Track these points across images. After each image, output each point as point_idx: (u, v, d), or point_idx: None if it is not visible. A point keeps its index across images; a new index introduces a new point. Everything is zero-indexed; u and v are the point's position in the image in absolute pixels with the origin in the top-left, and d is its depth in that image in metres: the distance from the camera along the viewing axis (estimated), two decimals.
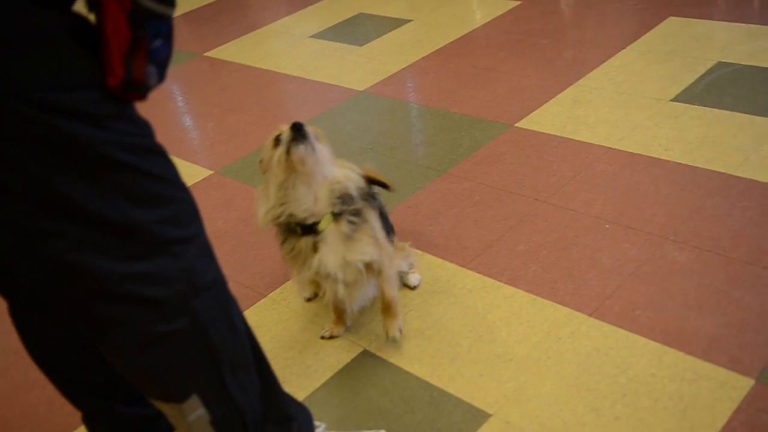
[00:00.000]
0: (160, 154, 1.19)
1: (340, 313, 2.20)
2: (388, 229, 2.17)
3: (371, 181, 2.13)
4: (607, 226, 2.44)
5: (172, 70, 4.16)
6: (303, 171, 1.87)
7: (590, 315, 2.10)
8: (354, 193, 1.96)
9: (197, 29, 5.13)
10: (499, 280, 2.29)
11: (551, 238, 2.43)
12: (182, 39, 4.93)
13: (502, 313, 2.16)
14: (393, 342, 2.12)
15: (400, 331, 2.12)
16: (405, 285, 2.35)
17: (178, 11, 5.06)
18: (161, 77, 1.15)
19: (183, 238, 1.20)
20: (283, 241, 1.99)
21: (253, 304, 2.39)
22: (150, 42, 1.09)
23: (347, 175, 1.97)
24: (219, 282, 1.31)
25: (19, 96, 0.98)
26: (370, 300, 2.24)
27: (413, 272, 2.35)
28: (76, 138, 1.04)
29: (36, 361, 1.50)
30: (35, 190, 1.05)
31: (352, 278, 2.02)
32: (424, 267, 2.40)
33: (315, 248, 1.94)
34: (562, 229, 2.46)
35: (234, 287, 2.43)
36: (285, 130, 1.90)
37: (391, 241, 2.18)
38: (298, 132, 1.87)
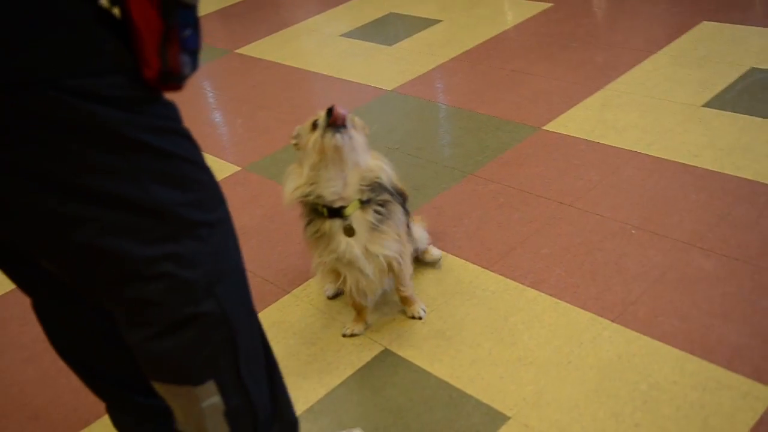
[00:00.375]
0: (186, 137, 1.20)
1: (360, 310, 2.22)
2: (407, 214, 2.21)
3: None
4: (633, 231, 2.42)
5: (204, 66, 4.22)
6: (336, 157, 1.89)
7: (613, 320, 2.09)
8: (385, 183, 1.98)
9: (229, 26, 5.17)
10: (522, 283, 2.28)
11: (576, 242, 2.41)
12: (214, 36, 4.98)
13: (524, 316, 2.16)
14: (418, 319, 2.21)
15: (424, 311, 2.22)
16: (427, 262, 2.41)
17: (211, 7, 5.15)
18: (194, 65, 1.16)
19: (208, 221, 1.21)
20: (308, 223, 2.02)
21: (276, 300, 2.41)
22: (181, 31, 1.10)
23: (380, 166, 1.99)
24: (241, 270, 1.32)
25: (49, 82, 1.00)
26: (389, 286, 2.26)
27: (432, 247, 2.42)
28: (105, 122, 1.05)
29: (59, 353, 1.53)
30: (66, 175, 1.06)
31: (371, 270, 2.04)
32: (447, 268, 2.40)
33: (348, 232, 1.96)
34: (587, 233, 2.45)
35: (258, 283, 2.48)
36: (322, 115, 1.92)
37: (409, 226, 2.22)
38: (332, 115, 1.88)
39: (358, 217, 1.96)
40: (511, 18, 4.36)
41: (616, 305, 2.14)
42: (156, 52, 1.09)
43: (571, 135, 3.02)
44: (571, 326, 2.09)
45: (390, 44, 4.27)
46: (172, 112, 1.19)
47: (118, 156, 1.08)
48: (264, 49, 4.57)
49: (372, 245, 1.99)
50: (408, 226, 2.19)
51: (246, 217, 2.88)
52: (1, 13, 0.96)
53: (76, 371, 1.55)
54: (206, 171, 1.24)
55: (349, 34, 4.53)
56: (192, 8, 1.11)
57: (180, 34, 1.11)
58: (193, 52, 1.15)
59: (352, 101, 3.70)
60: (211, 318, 1.23)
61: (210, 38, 4.94)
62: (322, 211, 1.96)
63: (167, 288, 1.17)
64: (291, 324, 2.30)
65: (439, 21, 4.47)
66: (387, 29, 4.52)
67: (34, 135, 1.02)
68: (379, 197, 1.98)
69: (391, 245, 2.02)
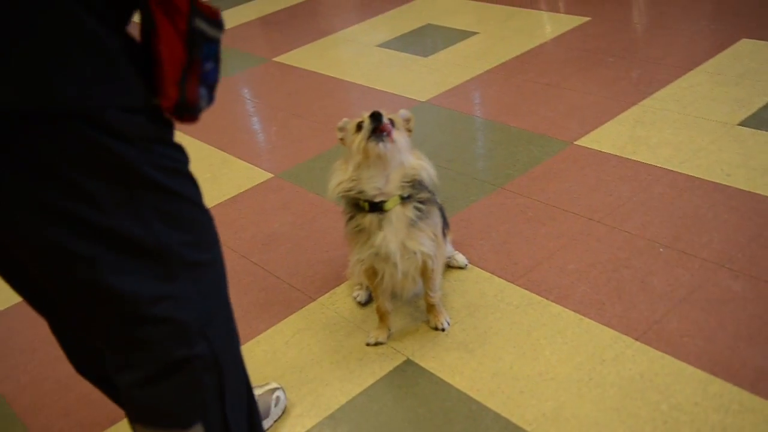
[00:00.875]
0: (190, 179, 1.20)
1: (383, 316, 2.24)
2: (444, 226, 2.26)
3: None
4: (662, 249, 2.40)
5: (242, 73, 4.32)
6: (379, 161, 1.96)
7: (637, 339, 2.08)
8: (426, 180, 2.03)
9: (269, 34, 5.25)
10: (547, 298, 2.28)
11: (603, 259, 2.41)
12: (253, 43, 5.06)
13: (547, 331, 2.16)
14: (441, 331, 2.22)
15: (448, 323, 2.23)
16: (454, 267, 2.45)
17: (252, 15, 5.24)
18: (211, 99, 1.16)
19: (204, 261, 1.21)
20: (350, 218, 2.07)
21: (302, 307, 2.44)
22: (203, 64, 1.11)
23: (422, 165, 2.05)
24: (229, 310, 1.32)
25: (78, 116, 1.00)
26: (420, 290, 2.28)
27: (457, 253, 2.46)
28: (122, 158, 1.05)
29: (78, 371, 1.54)
30: (77, 209, 1.05)
31: (407, 268, 2.08)
32: (473, 280, 2.41)
33: (379, 226, 2.00)
34: (614, 250, 2.44)
35: (284, 290, 2.51)
36: (366, 118, 1.98)
37: (445, 235, 2.26)
38: (377, 123, 1.95)
39: (397, 212, 2.01)
40: (547, 31, 4.35)
41: (640, 323, 2.13)
42: (175, 83, 1.09)
43: (603, 151, 3.01)
44: (594, 343, 2.09)
45: (426, 55, 4.30)
46: (181, 155, 1.19)
47: (128, 192, 1.08)
48: (301, 57, 4.63)
49: (409, 241, 2.03)
50: (444, 231, 2.22)
51: (276, 223, 2.92)
52: (32, 40, 0.96)
53: (97, 386, 1.57)
54: (205, 212, 1.23)
55: (385, 45, 4.57)
56: (216, 42, 1.12)
57: (202, 68, 1.11)
58: (211, 85, 1.15)
59: (386, 111, 3.72)
60: (203, 361, 1.22)
61: (249, 45, 5.02)
62: (364, 206, 2.01)
63: (163, 330, 1.16)
64: (315, 331, 2.33)
65: (475, 33, 4.49)
66: (424, 40, 4.55)
67: (53, 166, 1.02)
68: (419, 195, 2.04)
69: (428, 243, 2.06)
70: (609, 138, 3.10)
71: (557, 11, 4.70)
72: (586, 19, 4.41)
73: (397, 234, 2.01)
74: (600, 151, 3.02)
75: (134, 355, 1.19)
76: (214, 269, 1.25)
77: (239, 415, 1.35)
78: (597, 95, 3.48)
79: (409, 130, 2.12)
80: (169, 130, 1.16)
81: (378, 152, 1.93)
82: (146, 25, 1.09)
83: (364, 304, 2.40)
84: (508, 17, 4.66)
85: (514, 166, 3.02)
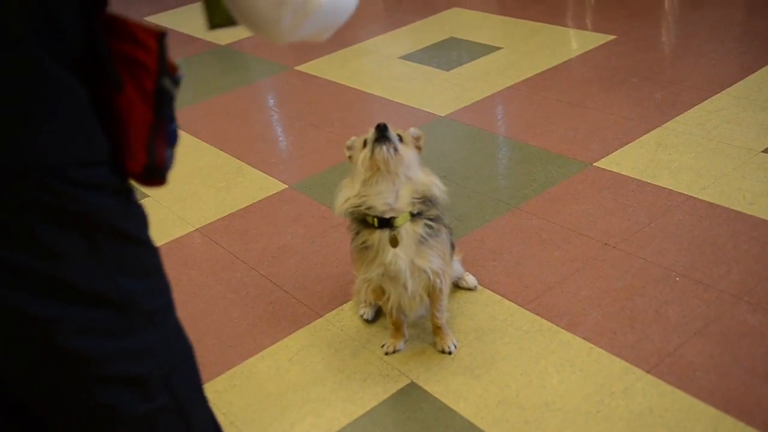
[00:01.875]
0: (144, 219, 1.13)
1: (398, 326, 2.22)
2: (452, 245, 2.22)
3: None
4: (678, 278, 2.34)
5: (262, 81, 4.33)
6: (386, 171, 1.93)
7: (648, 371, 2.02)
8: (438, 197, 2.00)
9: (291, 43, 5.24)
10: (557, 324, 2.23)
11: (617, 286, 2.35)
12: (275, 51, 5.05)
13: (555, 359, 2.11)
14: (448, 354, 2.18)
15: (455, 346, 2.18)
16: (464, 288, 2.41)
17: None
18: (173, 159, 1.11)
19: (162, 307, 1.15)
20: (356, 234, 2.03)
21: (308, 323, 2.41)
22: (168, 125, 1.06)
23: (432, 181, 2.02)
24: (191, 354, 1.24)
25: (44, 169, 0.93)
26: (426, 310, 2.24)
27: (467, 274, 2.42)
28: (82, 207, 0.98)
29: None
30: (33, 265, 0.96)
31: (415, 286, 2.05)
32: (483, 303, 2.37)
33: (393, 242, 1.96)
34: (629, 277, 2.38)
35: (292, 304, 2.48)
36: (371, 132, 1.96)
37: (451, 257, 2.22)
38: (381, 133, 1.93)
39: (407, 229, 1.98)
40: (572, 48, 4.30)
41: (652, 355, 2.07)
42: (143, 146, 1.03)
43: (623, 173, 2.95)
44: (603, 374, 2.03)
45: (447, 69, 4.26)
46: (136, 201, 1.11)
47: (88, 243, 1.00)
48: (323, 67, 4.61)
49: (419, 259, 2.00)
50: (451, 251, 2.19)
51: (288, 236, 2.89)
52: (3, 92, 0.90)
53: None
54: (157, 253, 1.15)
55: (407, 57, 4.54)
56: (174, 100, 1.07)
57: (168, 129, 1.06)
58: (174, 145, 1.10)
59: (403, 125, 3.65)
60: (166, 412, 1.15)
61: (272, 53, 5.01)
62: (372, 222, 1.98)
63: (124, 388, 1.08)
64: (320, 348, 2.29)
65: (499, 48, 4.44)
66: (446, 54, 4.51)
67: (19, 222, 0.94)
68: (429, 212, 2.00)
69: (437, 261, 2.03)
70: (629, 160, 3.04)
71: (583, 28, 4.65)
72: (612, 37, 4.35)
73: (406, 252, 1.97)
74: (619, 174, 2.96)
75: (90, 420, 1.10)
76: (171, 313, 1.17)
77: None
78: (619, 116, 3.42)
79: (419, 148, 2.08)
80: (126, 178, 1.09)
81: (382, 156, 1.90)
82: (106, 82, 1.02)
83: (371, 322, 2.37)
84: (534, 33, 4.61)
85: (531, 186, 2.97)
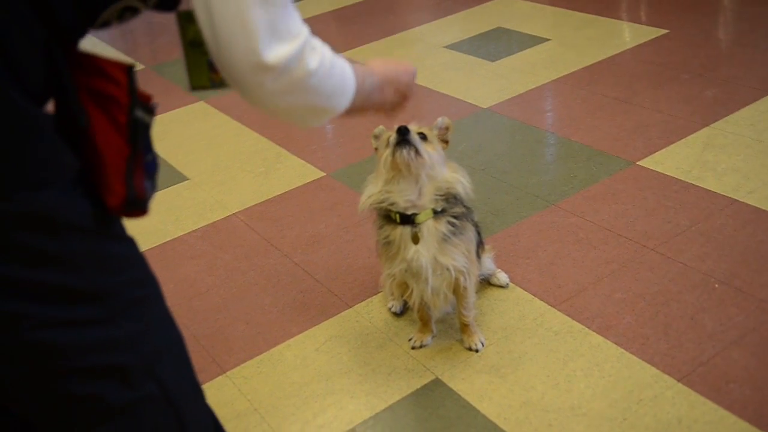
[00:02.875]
0: (118, 219, 1.13)
1: (425, 321, 2.20)
2: (479, 243, 2.20)
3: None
4: (717, 285, 2.27)
5: None
6: (407, 173, 1.92)
7: (679, 380, 1.97)
8: (461, 194, 1.98)
9: (340, 28, 5.23)
10: (588, 327, 2.19)
11: (652, 290, 2.29)
12: (323, 37, 4.98)
13: (584, 362, 2.07)
14: (474, 351, 2.16)
15: (482, 343, 2.17)
16: (495, 285, 2.39)
17: (326, 7, 5.22)
18: (154, 188, 1.11)
19: (142, 298, 1.14)
20: (380, 228, 2.04)
21: (337, 314, 2.40)
22: (145, 155, 1.06)
23: (456, 179, 2.00)
24: (180, 343, 1.23)
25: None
26: (452, 307, 2.22)
27: (499, 271, 2.40)
28: (46, 207, 0.98)
29: None
30: (9, 269, 0.96)
31: (439, 284, 2.02)
32: (513, 301, 2.33)
33: (414, 239, 1.96)
34: (666, 282, 2.32)
35: (322, 293, 2.49)
36: (393, 134, 1.94)
37: (479, 255, 2.20)
38: (402, 136, 1.91)
39: (429, 227, 1.96)
40: (622, 42, 4.19)
41: (685, 364, 2.01)
42: (121, 179, 1.04)
43: (666, 173, 2.87)
44: (632, 380, 1.99)
45: (493, 60, 4.20)
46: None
47: (55, 242, 1.00)
48: (367, 54, 4.59)
49: (442, 256, 1.98)
50: (478, 249, 2.16)
51: (322, 224, 2.89)
52: None
53: None
54: (131, 244, 1.15)
55: (453, 46, 4.49)
56: (149, 128, 1.07)
57: (144, 159, 1.06)
58: (153, 175, 1.10)
59: (443, 116, 3.65)
60: (153, 402, 1.14)
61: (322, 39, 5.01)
62: (395, 218, 1.97)
63: (102, 378, 1.08)
64: (347, 340, 2.29)
65: (547, 40, 4.36)
66: (492, 44, 4.45)
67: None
68: (453, 209, 1.98)
69: (461, 259, 2.00)
70: (674, 160, 2.96)
71: (635, 21, 4.53)
72: (665, 31, 4.23)
73: (429, 248, 1.96)
74: (663, 174, 2.88)
75: (71, 413, 1.10)
76: (154, 303, 1.16)
77: None
78: (667, 113, 3.33)
79: (446, 141, 2.06)
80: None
81: (404, 160, 1.89)
82: (79, 118, 1.02)
83: (399, 315, 2.36)
84: (584, 25, 4.52)
85: (571, 183, 2.91)
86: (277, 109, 1.18)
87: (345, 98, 1.27)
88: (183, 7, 1.19)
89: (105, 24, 1.09)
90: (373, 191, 1.99)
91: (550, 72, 3.93)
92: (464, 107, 3.70)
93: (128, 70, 1.03)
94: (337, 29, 5.23)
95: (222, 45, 1.07)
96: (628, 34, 4.30)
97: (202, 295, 2.60)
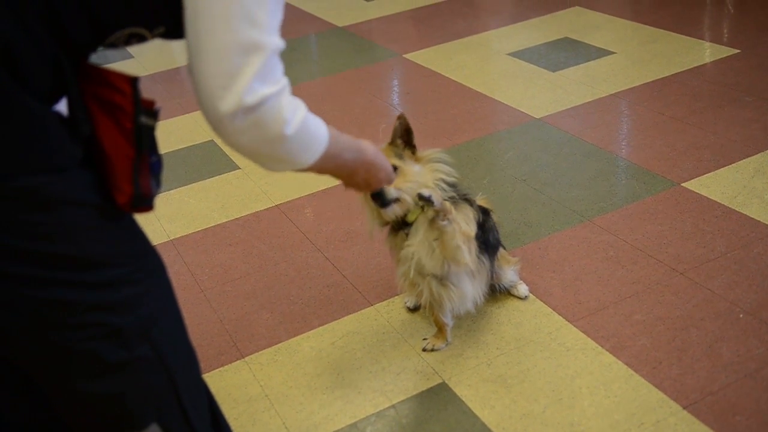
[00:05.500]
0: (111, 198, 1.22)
1: (440, 327, 2.24)
2: (496, 242, 2.26)
3: (486, 212, 2.23)
4: (741, 315, 2.22)
5: (369, 67, 4.38)
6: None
7: (685, 407, 1.94)
8: (437, 204, 1.96)
9: (408, 29, 5.28)
10: (602, 346, 2.18)
11: (674, 315, 2.26)
12: (390, 37, 5.12)
13: (591, 380, 2.06)
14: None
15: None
16: (514, 295, 2.41)
17: (398, 8, 5.28)
18: (159, 185, 1.21)
19: (141, 267, 1.23)
20: (388, 234, 2.15)
21: (358, 311, 2.46)
22: (150, 157, 1.16)
23: (436, 178, 2.05)
24: (176, 310, 1.32)
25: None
26: (475, 304, 2.21)
27: (520, 283, 2.41)
28: (49, 193, 1.08)
29: None
30: (18, 243, 1.07)
31: (439, 266, 2.06)
32: (531, 313, 2.34)
33: (406, 239, 2.06)
34: (690, 307, 2.28)
35: (346, 289, 2.55)
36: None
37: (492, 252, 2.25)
38: (381, 202, 1.96)
39: (420, 219, 2.03)
40: (688, 59, 4.10)
41: (694, 391, 1.99)
42: (128, 178, 1.14)
43: (710, 197, 2.81)
44: (637, 403, 1.97)
45: (554, 70, 4.18)
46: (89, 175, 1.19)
47: (50, 215, 1.09)
48: (430, 57, 4.63)
49: (431, 232, 2.02)
50: (493, 246, 2.24)
51: (358, 222, 2.95)
52: None
53: None
54: (129, 219, 1.25)
55: (515, 54, 4.48)
56: (154, 129, 1.17)
57: (150, 160, 1.16)
58: (158, 174, 1.20)
59: (495, 123, 3.67)
60: (146, 362, 1.22)
61: (384, 39, 5.08)
62: (394, 226, 2.10)
63: (98, 336, 1.16)
64: (364, 337, 2.35)
65: (612, 53, 4.30)
66: (557, 54, 4.41)
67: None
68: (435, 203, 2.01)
69: (452, 219, 2.01)
70: (720, 184, 2.89)
71: (706, 39, 4.42)
72: (735, 51, 4.11)
73: (417, 236, 2.03)
74: (706, 198, 2.82)
75: (71, 365, 1.19)
76: (154, 273, 1.26)
77: (202, 412, 1.38)
78: (721, 136, 3.25)
79: (412, 145, 2.09)
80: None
81: (394, 214, 2.01)
82: (80, 121, 1.12)
83: (412, 310, 2.41)
84: (652, 39, 4.43)
85: (610, 200, 2.89)
86: (237, 145, 1.19)
87: (312, 155, 1.30)
88: None
89: (111, 45, 1.20)
90: (369, 215, 2.10)
91: (609, 86, 3.88)
92: (517, 116, 3.70)
93: (133, 81, 1.14)
94: (405, 30, 5.27)
95: (195, 69, 1.12)
96: (697, 52, 4.20)
97: (234, 281, 2.69)
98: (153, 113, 1.17)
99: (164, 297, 1.30)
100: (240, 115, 1.11)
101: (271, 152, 1.21)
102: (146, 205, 1.20)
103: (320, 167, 1.35)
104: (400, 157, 2.02)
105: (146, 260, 1.26)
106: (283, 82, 1.15)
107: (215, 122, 1.13)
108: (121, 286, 1.18)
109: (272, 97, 1.12)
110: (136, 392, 1.24)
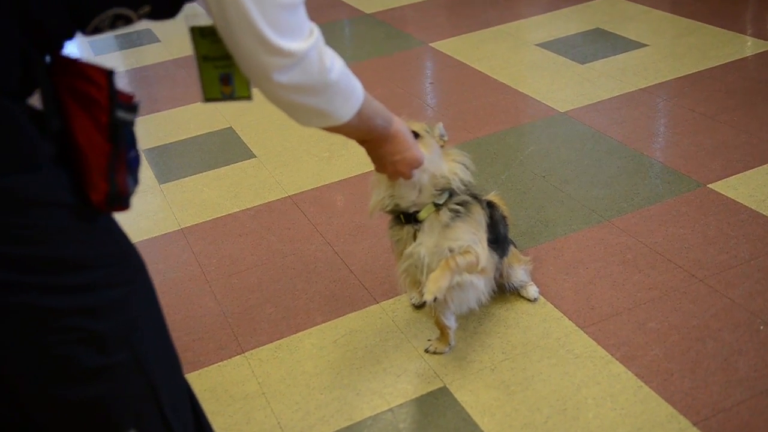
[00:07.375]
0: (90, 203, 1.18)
1: (442, 330, 2.18)
2: (504, 237, 2.19)
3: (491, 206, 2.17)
4: (762, 327, 2.12)
5: (395, 55, 4.31)
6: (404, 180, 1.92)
7: (695, 423, 1.85)
8: (459, 187, 1.95)
9: (436, 18, 5.18)
10: (612, 354, 2.09)
11: (690, 324, 2.16)
12: (418, 25, 5.02)
13: (598, 390, 1.98)
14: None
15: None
16: (523, 297, 2.33)
17: None
18: (136, 182, 1.16)
19: (122, 270, 1.19)
20: (391, 227, 2.07)
21: (363, 308, 2.40)
22: (127, 153, 1.11)
23: (453, 171, 1.97)
24: (160, 316, 1.28)
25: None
26: (477, 302, 2.11)
27: (531, 284, 2.34)
28: (20, 193, 1.04)
29: None
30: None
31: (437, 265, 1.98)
32: (541, 317, 2.26)
33: (414, 237, 1.98)
34: (707, 316, 2.18)
35: (352, 285, 2.49)
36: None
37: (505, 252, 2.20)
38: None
39: (432, 219, 1.96)
40: (724, 53, 3.94)
41: (705, 407, 1.89)
42: (103, 175, 1.09)
43: (737, 200, 2.69)
44: (645, 416, 1.89)
45: (582, 62, 4.05)
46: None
47: (29, 218, 1.05)
48: (456, 46, 4.53)
49: (443, 240, 1.96)
50: (502, 243, 2.17)
51: (368, 216, 2.88)
52: None
53: None
54: (108, 219, 1.21)
55: (544, 45, 4.36)
56: (133, 124, 1.12)
57: (127, 156, 1.11)
58: (135, 170, 1.15)
59: (518, 117, 3.57)
60: (124, 368, 1.18)
61: (413, 27, 4.99)
62: (401, 218, 2.00)
63: (77, 341, 1.12)
64: (367, 335, 2.29)
65: (644, 45, 4.16)
66: (586, 45, 4.28)
67: None
68: (456, 198, 1.97)
69: (462, 236, 1.96)
70: (749, 186, 2.77)
71: (744, 32, 4.25)
72: None
73: (430, 239, 1.95)
74: (733, 200, 2.70)
75: (48, 371, 1.15)
76: (136, 276, 1.22)
77: (183, 417, 1.33)
78: (753, 135, 3.11)
79: (442, 145, 2.00)
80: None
81: (402, 198, 1.95)
82: (50, 111, 1.07)
83: (418, 307, 2.36)
84: (687, 32, 4.28)
85: (632, 200, 2.78)
86: (283, 100, 1.26)
87: (350, 109, 1.37)
88: (193, 22, 1.25)
89: (96, 30, 1.15)
90: (377, 197, 2.00)
91: (639, 80, 3.75)
92: (541, 109, 3.59)
93: (108, 74, 1.09)
94: (433, 18, 5.17)
95: (233, 31, 1.16)
96: (734, 46, 4.04)
97: (240, 273, 2.65)
98: (131, 107, 1.13)
99: (145, 300, 1.25)
100: (285, 69, 1.17)
101: (316, 102, 1.28)
102: (122, 204, 1.15)
103: (354, 127, 1.42)
104: (428, 133, 1.96)
105: (127, 262, 1.22)
106: (316, 31, 1.22)
107: (262, 80, 1.20)
108: (100, 290, 1.14)
109: (312, 48, 1.19)
110: (114, 398, 1.19)
